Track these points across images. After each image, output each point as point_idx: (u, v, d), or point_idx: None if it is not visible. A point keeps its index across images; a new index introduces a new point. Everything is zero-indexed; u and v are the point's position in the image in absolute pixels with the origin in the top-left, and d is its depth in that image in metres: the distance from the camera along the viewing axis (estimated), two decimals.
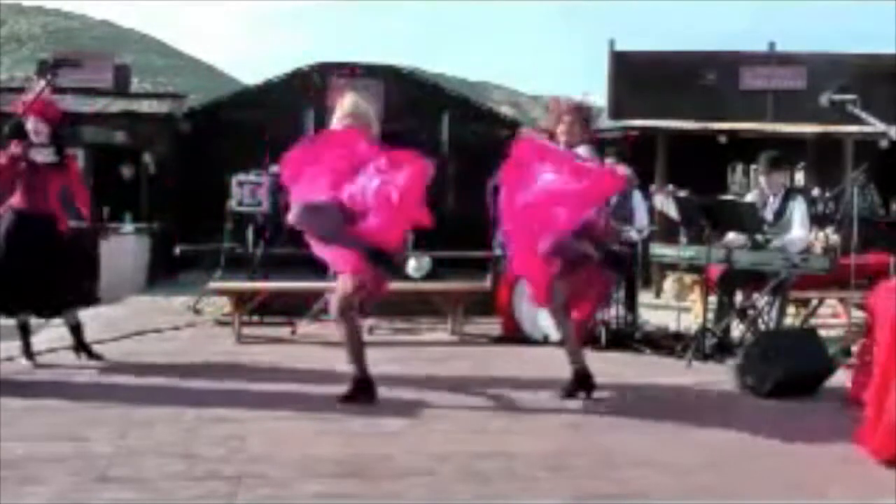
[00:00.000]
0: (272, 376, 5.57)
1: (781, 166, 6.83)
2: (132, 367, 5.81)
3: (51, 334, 6.45)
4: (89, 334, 6.36)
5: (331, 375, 5.53)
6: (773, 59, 14.22)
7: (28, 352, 5.85)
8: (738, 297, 6.67)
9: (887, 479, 3.56)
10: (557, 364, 6.08)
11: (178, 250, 9.81)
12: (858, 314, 7.10)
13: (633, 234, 7.16)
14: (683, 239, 7.74)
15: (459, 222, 11.09)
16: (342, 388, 4.86)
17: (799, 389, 5.08)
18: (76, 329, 6.00)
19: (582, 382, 4.98)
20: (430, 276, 9.18)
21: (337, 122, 4.95)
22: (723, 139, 11.81)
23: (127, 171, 13.10)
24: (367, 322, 6.86)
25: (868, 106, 4.48)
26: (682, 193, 7.01)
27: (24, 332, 5.86)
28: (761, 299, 6.46)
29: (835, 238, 9.80)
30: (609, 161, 7.26)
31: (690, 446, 4.10)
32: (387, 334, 7.40)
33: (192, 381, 5.39)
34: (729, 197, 9.94)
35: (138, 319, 7.97)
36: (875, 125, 4.40)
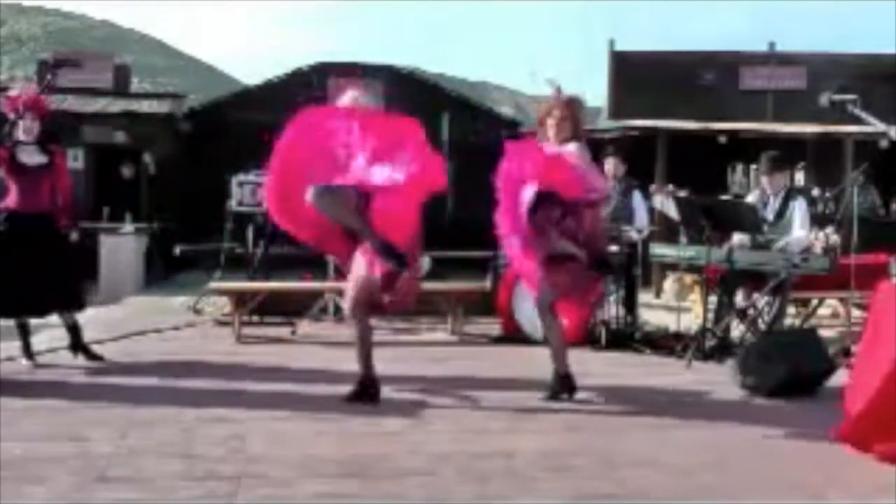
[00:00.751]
0: (272, 376, 5.57)
1: (783, 166, 6.83)
2: (132, 367, 5.81)
3: (52, 334, 6.44)
4: (89, 334, 6.36)
5: (331, 375, 5.53)
6: (773, 59, 14.24)
7: (28, 352, 5.84)
8: (738, 297, 6.67)
9: (887, 479, 3.56)
10: None
11: (178, 250, 9.81)
12: (858, 314, 7.11)
13: (633, 234, 7.16)
14: (683, 239, 7.74)
15: (459, 222, 11.12)
16: (342, 388, 4.86)
17: (799, 389, 5.08)
18: (73, 329, 5.99)
19: (563, 384, 4.96)
20: (430, 276, 9.16)
21: None
22: (723, 139, 11.80)
23: (127, 171, 13.11)
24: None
25: (868, 106, 4.49)
26: (682, 193, 7.00)
27: (24, 331, 5.86)
28: (761, 299, 6.46)
29: (835, 238, 9.80)
30: (608, 161, 7.27)
31: (690, 446, 4.10)
32: (387, 334, 7.39)
33: (192, 381, 5.39)
34: (729, 197, 9.95)
35: (138, 319, 7.97)
36: (875, 125, 4.40)
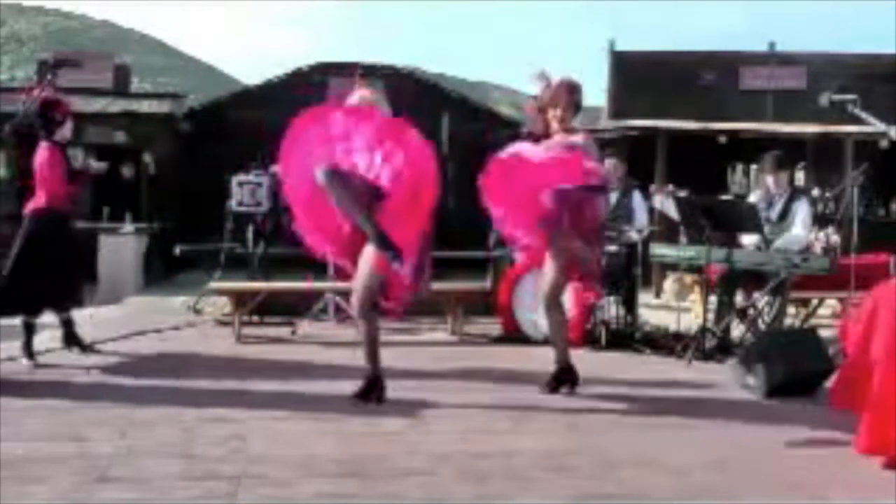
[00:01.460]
0: (272, 376, 5.57)
1: (787, 166, 6.83)
2: (132, 367, 5.81)
3: (54, 333, 6.44)
4: (89, 334, 6.38)
5: (331, 375, 5.53)
6: (773, 59, 14.22)
7: (29, 351, 5.85)
8: (739, 297, 6.67)
9: (887, 479, 3.56)
10: None
11: (178, 250, 9.80)
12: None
13: (633, 235, 7.16)
14: (683, 239, 7.73)
15: (459, 222, 11.08)
16: (342, 388, 4.86)
17: (799, 389, 5.08)
18: (67, 323, 6.08)
19: (565, 376, 5.04)
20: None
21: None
22: (723, 139, 11.80)
23: (127, 171, 13.10)
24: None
25: (868, 106, 4.48)
26: (682, 193, 7.00)
27: (30, 331, 5.89)
28: (761, 299, 6.46)
29: (835, 238, 9.81)
30: (608, 161, 7.26)
31: (690, 446, 4.10)
32: (387, 334, 7.36)
33: (192, 381, 5.39)
34: (729, 197, 9.95)
35: (138, 319, 7.96)
36: (875, 125, 4.40)
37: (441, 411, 4.71)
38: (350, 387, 4.83)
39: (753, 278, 6.43)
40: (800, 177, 11.86)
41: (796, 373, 5.12)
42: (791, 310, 7.10)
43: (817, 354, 5.33)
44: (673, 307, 8.22)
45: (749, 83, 14.09)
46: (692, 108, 13.04)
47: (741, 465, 3.80)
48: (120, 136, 13.33)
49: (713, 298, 6.64)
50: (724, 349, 6.22)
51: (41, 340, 6.22)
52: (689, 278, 8.77)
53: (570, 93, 5.04)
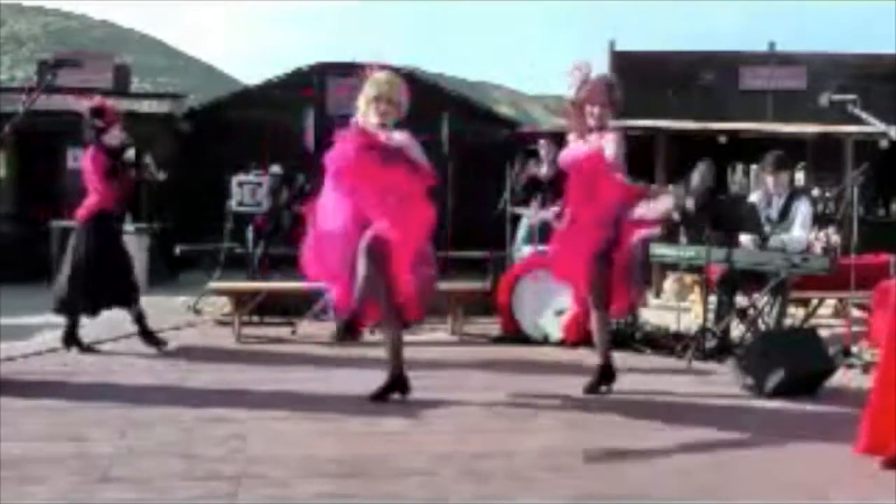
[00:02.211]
0: (272, 376, 5.57)
1: (788, 165, 6.83)
2: (132, 367, 5.82)
3: (55, 334, 6.45)
4: (89, 334, 6.38)
5: (331, 375, 5.53)
6: (773, 59, 14.22)
7: (76, 340, 6.21)
8: (739, 297, 6.67)
9: (887, 479, 3.55)
10: (557, 364, 6.10)
11: (178, 250, 9.80)
12: (858, 314, 7.11)
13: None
14: (683, 239, 7.73)
15: (459, 222, 11.09)
16: (342, 388, 4.87)
17: (799, 389, 5.08)
18: (140, 317, 6.38)
19: (605, 375, 5.10)
20: None
21: (368, 104, 4.92)
22: (723, 139, 11.79)
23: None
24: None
25: (868, 106, 4.48)
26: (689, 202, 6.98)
27: (74, 323, 6.22)
28: (761, 299, 6.46)
29: (835, 238, 9.80)
30: None
31: (690, 446, 4.10)
32: None
33: (192, 380, 5.39)
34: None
35: None
36: (875, 125, 4.39)
37: (441, 411, 4.71)
38: (350, 387, 4.84)
39: (753, 278, 6.43)
40: (800, 177, 11.85)
41: (796, 373, 5.12)
42: (791, 310, 7.09)
43: (817, 354, 5.33)
44: (673, 307, 8.22)
45: (749, 83, 14.09)
46: (692, 108, 13.04)
47: (741, 465, 3.80)
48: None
49: (713, 298, 6.64)
50: (724, 349, 6.22)
51: (43, 340, 6.23)
52: (689, 278, 8.78)
53: (608, 90, 4.99)
